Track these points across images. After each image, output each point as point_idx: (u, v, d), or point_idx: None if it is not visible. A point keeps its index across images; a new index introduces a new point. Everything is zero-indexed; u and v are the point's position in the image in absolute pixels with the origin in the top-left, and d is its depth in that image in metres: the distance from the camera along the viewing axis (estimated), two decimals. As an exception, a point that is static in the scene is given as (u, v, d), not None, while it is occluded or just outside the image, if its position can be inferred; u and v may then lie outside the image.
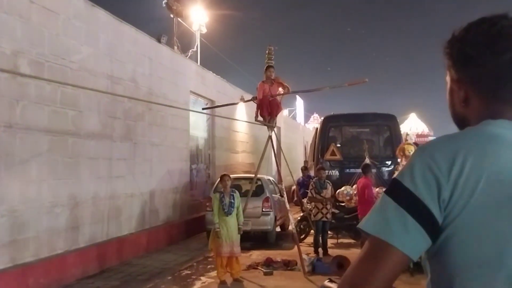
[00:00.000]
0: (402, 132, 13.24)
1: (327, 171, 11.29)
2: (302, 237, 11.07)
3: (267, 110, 9.75)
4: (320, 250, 9.98)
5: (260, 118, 9.93)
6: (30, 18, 7.23)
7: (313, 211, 10.14)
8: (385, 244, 1.02)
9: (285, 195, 10.55)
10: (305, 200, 11.11)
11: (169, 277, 8.32)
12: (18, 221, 6.86)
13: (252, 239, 11.20)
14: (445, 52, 1.20)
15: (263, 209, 11.22)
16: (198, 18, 18.64)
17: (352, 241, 11.17)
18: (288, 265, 8.79)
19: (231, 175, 8.73)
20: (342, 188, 10.58)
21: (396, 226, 1.03)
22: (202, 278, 8.29)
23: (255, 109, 9.98)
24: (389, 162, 12.11)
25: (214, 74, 15.92)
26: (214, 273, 8.22)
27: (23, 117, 7.00)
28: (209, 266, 8.95)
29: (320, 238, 10.04)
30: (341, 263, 8.00)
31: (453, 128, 1.25)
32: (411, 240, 1.02)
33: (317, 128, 14.78)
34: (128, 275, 8.46)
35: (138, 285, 7.75)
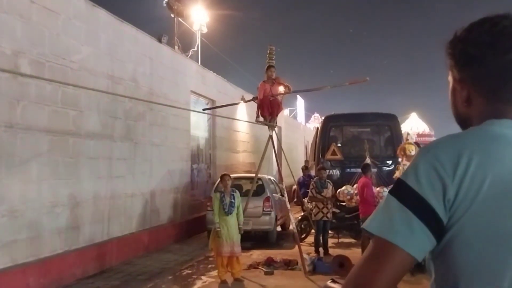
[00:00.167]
0: (403, 132, 13.23)
1: (328, 171, 11.30)
2: (302, 236, 11.06)
3: (268, 110, 9.74)
4: (320, 249, 9.97)
5: (261, 119, 9.92)
6: (30, 18, 7.23)
7: (313, 211, 10.14)
8: (389, 245, 1.02)
9: (285, 195, 10.55)
10: (305, 200, 11.11)
11: (170, 277, 8.32)
12: (19, 221, 6.86)
13: (252, 239, 11.20)
14: (447, 52, 1.19)
15: (264, 209, 11.21)
16: (199, 18, 18.63)
17: (352, 240, 11.16)
18: (288, 264, 8.79)
19: (232, 175, 8.72)
20: (343, 188, 10.58)
21: (400, 226, 1.02)
22: (202, 277, 8.29)
23: (256, 109, 9.97)
24: (390, 162, 12.11)
25: (215, 74, 15.91)
26: (214, 273, 8.22)
27: (24, 117, 7.00)
28: (209, 266, 8.95)
29: (321, 237, 10.04)
30: (341, 263, 8.00)
31: (454, 128, 1.24)
32: (416, 241, 1.02)
33: (318, 128, 14.77)
34: (128, 275, 8.46)
35: (139, 285, 7.75)
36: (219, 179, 8.89)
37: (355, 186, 10.15)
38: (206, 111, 13.70)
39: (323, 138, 12.91)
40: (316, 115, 45.48)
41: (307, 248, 10.25)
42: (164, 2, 16.08)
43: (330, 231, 10.67)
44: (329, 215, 10.04)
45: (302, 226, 11.30)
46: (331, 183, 10.39)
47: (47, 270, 7.33)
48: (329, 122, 13.33)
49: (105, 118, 9.10)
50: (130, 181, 9.98)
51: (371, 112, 13.76)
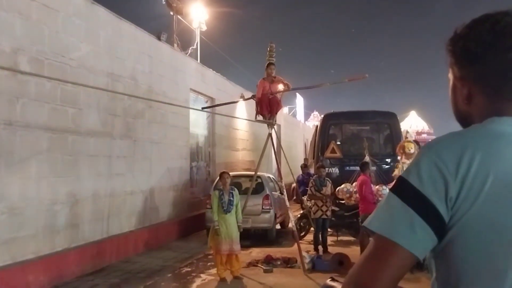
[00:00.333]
0: (402, 130, 13.22)
1: (327, 169, 11.30)
2: (302, 234, 11.07)
3: (267, 108, 9.74)
4: (320, 247, 9.98)
5: (260, 117, 9.92)
6: (29, 15, 7.22)
7: (313, 209, 10.14)
8: (391, 243, 1.01)
9: (285, 193, 10.56)
10: (305, 198, 11.11)
11: (169, 275, 8.32)
12: (18, 218, 6.86)
13: (252, 237, 11.20)
14: (448, 50, 1.18)
15: (263, 207, 11.22)
16: (198, 16, 18.61)
17: (352, 238, 11.17)
18: (288, 262, 8.80)
19: (231, 173, 8.72)
20: (342, 186, 10.59)
21: (402, 224, 1.02)
22: (202, 275, 8.30)
23: (255, 107, 9.98)
24: (389, 160, 12.11)
25: (214, 71, 15.90)
26: (214, 271, 8.23)
27: (23, 115, 6.99)
28: (209, 264, 8.96)
29: (320, 235, 10.05)
30: (341, 261, 8.01)
31: (453, 126, 1.24)
32: (417, 239, 1.01)
33: (317, 126, 14.77)
34: (127, 272, 8.46)
35: (138, 283, 7.75)
36: (218, 177, 8.89)
37: (354, 184, 10.16)
38: (205, 110, 13.68)
39: (323, 136, 12.91)
40: (316, 113, 45.51)
41: (306, 246, 10.26)
42: (163, -1, 16.06)
43: (329, 229, 10.68)
44: (328, 213, 10.05)
45: (301, 224, 11.31)
46: (330, 181, 10.40)
47: (47, 268, 7.33)
48: (329, 120, 13.32)
49: (105, 116, 9.09)
50: (130, 179, 9.98)
51: (370, 110, 13.76)
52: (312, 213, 10.18)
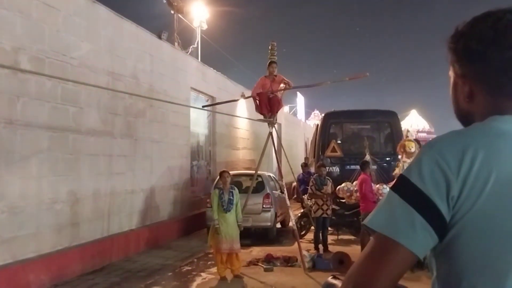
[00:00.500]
0: (402, 129, 13.22)
1: (327, 168, 11.31)
2: (302, 233, 11.07)
3: (267, 107, 9.74)
4: (320, 246, 9.99)
5: (261, 118, 9.94)
6: (30, 14, 7.21)
7: (313, 208, 10.15)
8: (391, 242, 1.00)
9: (285, 192, 10.56)
10: (305, 197, 11.11)
11: (170, 273, 8.33)
12: (19, 217, 6.87)
13: (252, 236, 11.21)
14: (449, 47, 1.17)
15: (264, 206, 11.22)
16: (199, 15, 18.60)
17: (352, 237, 11.18)
18: (288, 261, 8.80)
19: (231, 172, 8.72)
20: (343, 185, 10.59)
21: (403, 223, 1.01)
22: (202, 274, 8.30)
23: (253, 102, 9.99)
24: (389, 159, 12.10)
25: (215, 70, 15.90)
26: (214, 269, 8.23)
27: (24, 114, 6.99)
28: (209, 263, 8.96)
29: (321, 234, 10.05)
30: (341, 260, 8.01)
31: (454, 125, 1.23)
32: (418, 238, 1.00)
33: (317, 125, 14.76)
34: (128, 271, 8.47)
35: (139, 281, 7.76)
36: (218, 176, 8.90)
37: (354, 183, 10.16)
38: (206, 108, 13.68)
39: (323, 135, 12.91)
40: (316, 112, 45.48)
41: (306, 245, 10.26)
42: (164, -2, 16.05)
43: (329, 228, 10.68)
44: (328, 212, 10.05)
45: (302, 223, 11.31)
46: (331, 180, 10.41)
47: (47, 267, 7.33)
48: (329, 119, 13.32)
49: (105, 114, 9.09)
50: (130, 178, 9.98)
51: (371, 109, 13.75)
52: (312, 212, 10.18)
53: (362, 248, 7.45)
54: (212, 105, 13.76)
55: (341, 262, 7.95)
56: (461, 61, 1.15)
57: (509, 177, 0.98)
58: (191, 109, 13.02)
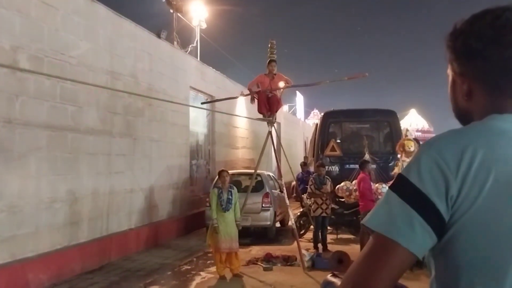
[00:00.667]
0: (402, 128, 13.23)
1: (327, 167, 11.31)
2: (301, 232, 11.07)
3: (266, 107, 9.73)
4: (319, 245, 9.99)
5: (260, 117, 9.93)
6: (29, 13, 7.20)
7: (312, 207, 10.15)
8: (390, 242, 1.00)
9: (284, 191, 10.56)
10: (304, 196, 11.11)
11: (169, 273, 8.33)
12: (17, 216, 6.86)
13: (251, 235, 11.21)
14: (447, 45, 1.16)
15: (263, 205, 11.22)
16: (198, 13, 18.58)
17: (351, 236, 11.19)
18: (287, 260, 8.80)
19: (231, 171, 8.72)
20: (342, 184, 10.59)
21: (401, 223, 1.00)
22: (201, 273, 8.30)
23: (255, 105, 9.99)
24: (389, 158, 12.11)
25: (214, 69, 15.89)
26: (213, 269, 8.23)
27: (22, 113, 6.98)
28: (208, 262, 8.96)
29: (320, 233, 10.06)
30: (340, 259, 8.01)
31: (453, 124, 1.22)
32: (417, 238, 0.99)
33: (317, 124, 14.76)
34: (127, 270, 8.47)
35: (138, 281, 7.75)
36: (218, 175, 8.90)
37: (354, 182, 10.16)
38: (205, 105, 13.67)
39: (322, 134, 12.91)
40: (316, 111, 45.48)
41: (306, 244, 10.26)
42: (163, -3, 16.03)
43: (329, 227, 10.69)
44: (328, 211, 10.06)
45: (301, 222, 11.32)
46: (330, 179, 10.41)
47: (46, 266, 7.33)
48: (328, 118, 13.32)
49: (104, 114, 9.08)
50: (129, 177, 9.97)
51: (370, 108, 13.76)
52: (311, 211, 10.19)
53: (362, 247, 7.45)
54: (211, 101, 13.73)
55: (340, 261, 7.95)
56: (460, 59, 1.14)
57: (508, 177, 0.98)
58: (190, 108, 13.01)
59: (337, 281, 1.24)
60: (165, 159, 11.63)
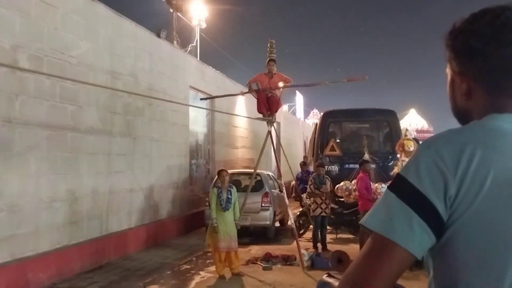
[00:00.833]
0: (401, 128, 13.23)
1: (326, 167, 11.32)
2: (301, 232, 11.08)
3: (265, 106, 9.74)
4: (319, 245, 9.99)
5: (260, 116, 9.92)
6: (29, 12, 7.20)
7: (312, 206, 10.15)
8: (388, 242, 0.99)
9: (284, 191, 10.56)
10: (304, 196, 11.12)
11: (168, 272, 8.33)
12: (17, 215, 6.86)
13: (251, 234, 11.21)
14: (447, 44, 1.16)
15: (262, 204, 11.22)
16: (198, 13, 18.58)
17: (351, 236, 11.19)
18: (287, 260, 8.81)
19: (230, 171, 8.72)
20: (341, 184, 10.60)
21: (400, 223, 1.00)
22: (201, 273, 8.30)
23: (255, 105, 9.99)
24: (388, 158, 12.12)
25: (214, 69, 15.89)
26: (213, 268, 8.23)
27: (22, 112, 6.98)
28: (208, 261, 8.96)
29: (319, 233, 10.06)
30: (340, 258, 8.01)
31: (452, 124, 1.21)
32: (416, 238, 0.99)
33: (316, 124, 14.77)
34: (127, 270, 8.47)
35: (137, 280, 7.76)
36: (217, 175, 8.91)
37: (353, 182, 10.17)
38: (205, 105, 13.65)
39: (322, 134, 12.92)
40: (315, 111, 45.41)
41: (305, 243, 10.26)
42: (163, -4, 16.02)
43: (328, 227, 10.69)
44: (327, 210, 10.06)
45: (301, 221, 11.32)
46: (329, 179, 10.41)
47: (46, 265, 7.33)
48: (328, 118, 13.33)
49: (104, 113, 9.08)
50: (129, 177, 9.97)
51: (370, 108, 13.77)
52: (311, 210, 10.19)
53: (361, 247, 7.46)
54: (211, 98, 13.70)
55: (339, 261, 7.95)
56: (459, 58, 1.13)
57: (507, 176, 0.98)
58: (190, 107, 13.01)
59: (333, 282, 1.24)
60: (165, 159, 11.63)
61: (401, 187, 1.03)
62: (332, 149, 12.50)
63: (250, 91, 9.86)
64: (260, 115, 10.09)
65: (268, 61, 9.79)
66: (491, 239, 0.98)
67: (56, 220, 7.67)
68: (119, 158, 9.57)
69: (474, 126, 1.08)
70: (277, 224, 12.54)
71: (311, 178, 10.55)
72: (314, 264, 8.43)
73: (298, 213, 11.65)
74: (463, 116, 1.16)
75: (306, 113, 45.98)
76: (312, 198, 10.20)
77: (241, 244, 8.39)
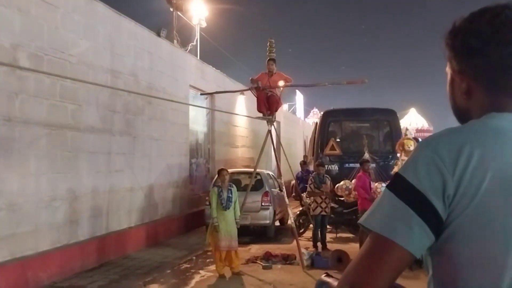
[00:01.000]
0: (401, 127, 13.24)
1: (326, 166, 11.32)
2: (301, 231, 11.08)
3: (265, 105, 9.74)
4: (319, 244, 9.99)
5: (260, 116, 9.92)
6: (29, 11, 7.20)
7: (312, 206, 10.15)
8: (387, 241, 0.99)
9: (284, 190, 10.56)
10: (304, 195, 11.12)
11: (168, 271, 8.33)
12: (17, 214, 6.86)
13: (251, 233, 11.21)
14: (446, 43, 1.15)
15: (262, 204, 11.22)
16: (198, 12, 18.57)
17: (350, 235, 11.19)
18: (287, 259, 8.81)
19: (230, 170, 8.73)
20: (341, 183, 10.60)
21: (399, 222, 0.99)
22: (201, 272, 8.30)
23: (255, 104, 10.00)
24: (388, 157, 12.12)
25: (214, 68, 15.88)
26: (213, 267, 8.24)
27: (22, 111, 6.98)
28: (208, 260, 8.96)
29: (319, 232, 10.06)
30: (340, 258, 8.01)
31: (452, 123, 1.21)
32: (415, 237, 0.99)
33: (316, 123, 14.77)
34: (127, 269, 8.47)
35: (137, 279, 7.76)
36: (217, 174, 8.91)
37: (353, 181, 10.17)
38: (204, 104, 13.66)
39: (322, 133, 12.92)
40: (315, 110, 45.41)
41: (305, 243, 10.26)
42: (163, -5, 16.02)
43: (328, 226, 10.69)
44: (327, 210, 10.06)
45: (301, 221, 11.32)
46: (329, 178, 10.41)
47: (46, 264, 7.33)
48: (328, 117, 13.33)
49: (104, 112, 9.08)
50: (129, 176, 9.97)
51: (370, 107, 13.77)
52: (311, 210, 10.19)
53: (361, 246, 7.49)
54: (211, 93, 13.68)
55: (339, 260, 7.95)
56: (459, 57, 1.13)
57: (505, 175, 0.97)
58: (190, 107, 13.01)
59: (332, 281, 1.23)
60: (165, 158, 11.63)
61: (400, 186, 1.03)
62: (332, 148, 12.50)
63: (251, 87, 9.88)
64: (260, 114, 10.09)
65: (268, 60, 9.80)
66: (490, 237, 0.97)
67: (56, 219, 7.68)
68: (119, 157, 9.57)
69: (473, 125, 1.07)
70: (277, 223, 12.54)
71: (311, 177, 10.54)
72: (314, 263, 8.43)
73: (298, 212, 11.65)
74: (462, 115, 1.16)
75: (306, 112, 45.99)
76: (312, 197, 10.20)
77: (241, 243, 8.39)
